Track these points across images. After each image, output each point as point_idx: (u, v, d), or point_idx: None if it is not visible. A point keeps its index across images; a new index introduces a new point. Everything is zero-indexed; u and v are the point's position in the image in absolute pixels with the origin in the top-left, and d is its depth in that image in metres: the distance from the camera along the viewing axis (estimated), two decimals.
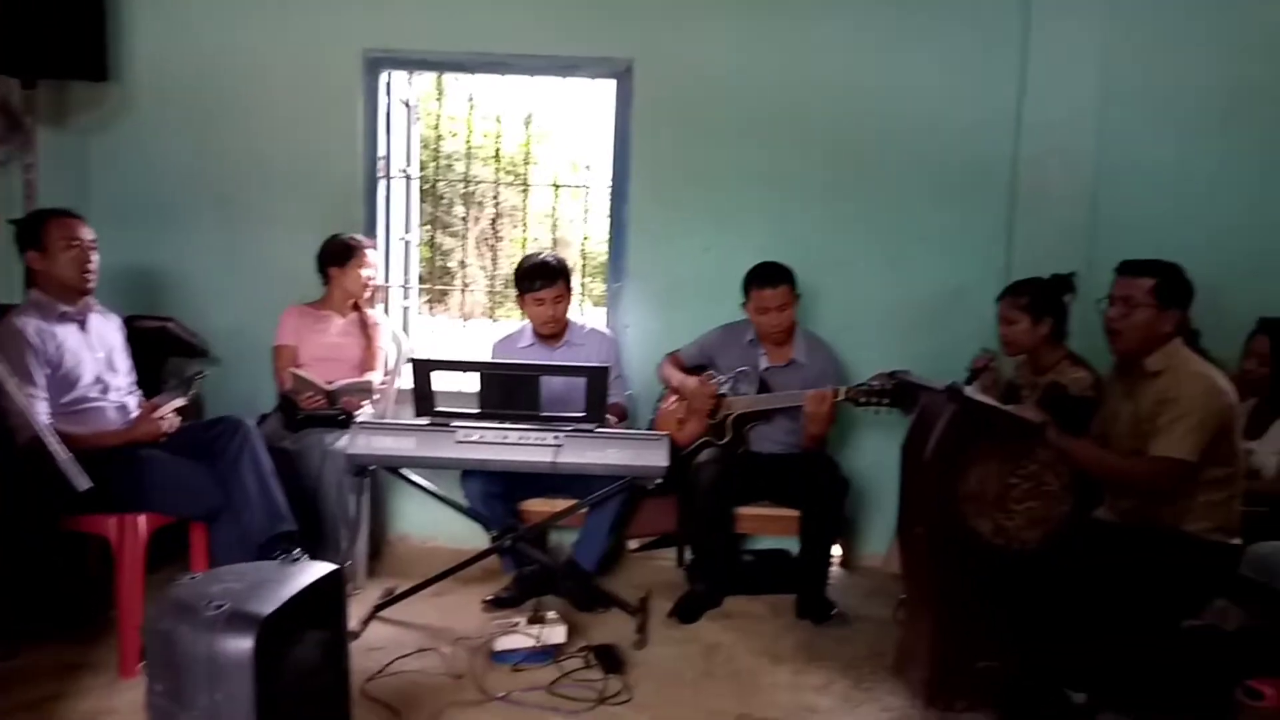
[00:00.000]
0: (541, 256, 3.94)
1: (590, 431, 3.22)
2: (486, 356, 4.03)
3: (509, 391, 3.30)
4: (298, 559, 2.32)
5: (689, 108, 4.28)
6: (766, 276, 3.80)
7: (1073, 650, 2.73)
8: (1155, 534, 2.85)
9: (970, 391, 2.91)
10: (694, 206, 4.31)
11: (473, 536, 3.91)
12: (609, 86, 4.37)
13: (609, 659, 3.12)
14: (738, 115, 4.26)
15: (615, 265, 4.41)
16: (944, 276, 4.28)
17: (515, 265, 3.99)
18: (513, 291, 4.02)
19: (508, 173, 6.99)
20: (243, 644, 1.95)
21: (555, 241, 4.82)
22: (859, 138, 4.26)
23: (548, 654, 3.10)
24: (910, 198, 4.27)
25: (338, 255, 3.99)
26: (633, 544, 4.27)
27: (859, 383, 3.56)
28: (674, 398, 3.98)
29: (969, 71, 4.20)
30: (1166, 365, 2.87)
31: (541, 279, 3.85)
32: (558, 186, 4.93)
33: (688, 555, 3.92)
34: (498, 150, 5.39)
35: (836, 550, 4.20)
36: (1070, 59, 4.12)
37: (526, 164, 5.08)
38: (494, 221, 6.69)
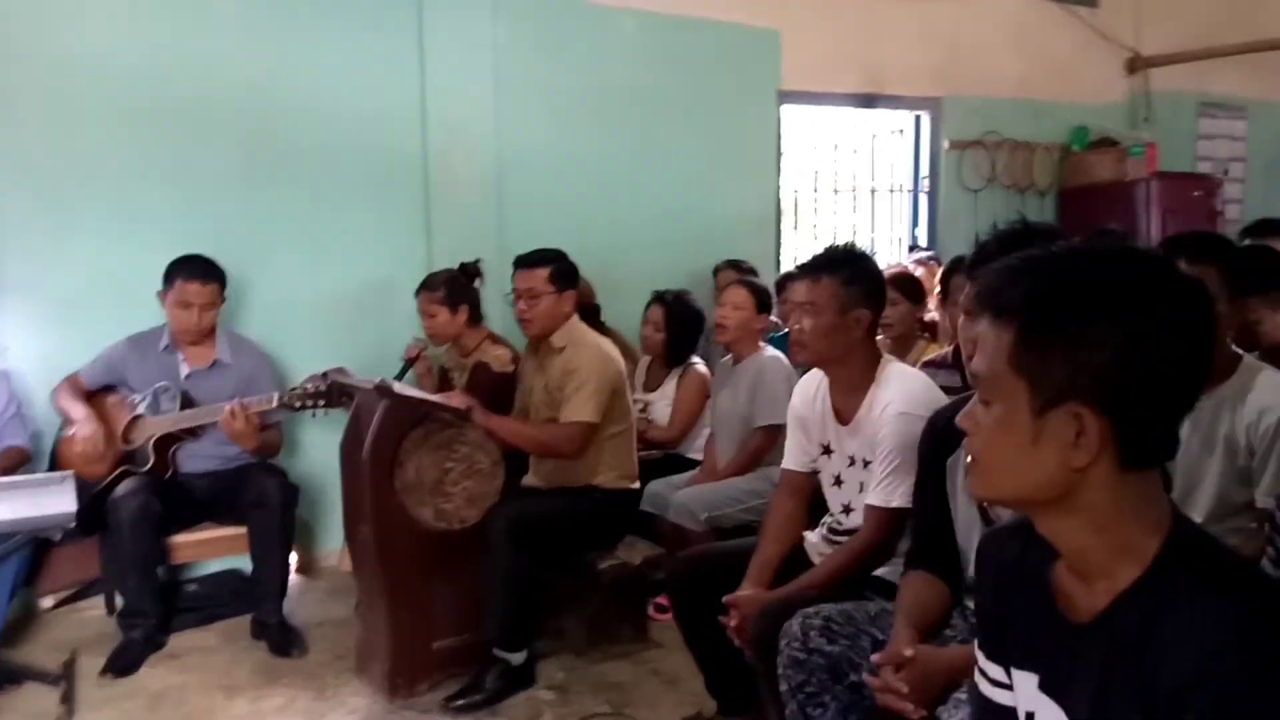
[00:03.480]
0: None
1: None
2: None
3: None
4: None
5: (61, 92, 3.71)
6: (196, 269, 3.50)
7: (511, 613, 2.97)
8: (574, 491, 3.21)
9: (399, 386, 2.98)
10: (85, 206, 3.78)
11: None
12: None
13: None
14: (126, 100, 3.80)
15: None
16: (372, 269, 4.31)
17: None
18: None
19: None
20: None
21: None
22: (272, 127, 4.07)
23: None
24: (332, 190, 4.20)
25: None
26: (47, 601, 3.68)
27: (292, 387, 3.45)
28: (77, 428, 3.48)
29: (372, 63, 4.24)
30: (569, 341, 3.23)
31: None
32: None
33: (118, 601, 3.49)
34: None
35: (293, 558, 4.05)
36: (464, 55, 4.38)
37: None
38: None
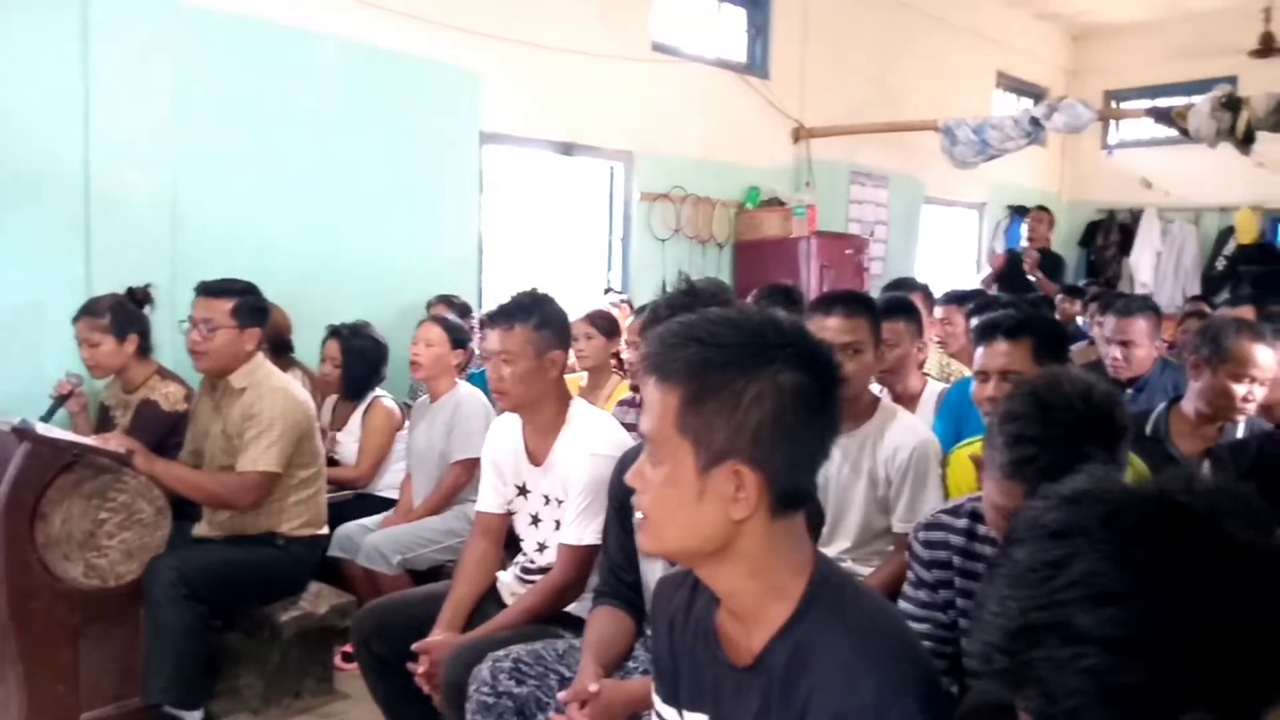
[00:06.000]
0: None
1: None
2: None
3: None
4: None
5: None
6: None
7: (180, 672, 2.71)
8: (253, 540, 3.00)
9: (44, 427, 2.65)
10: None
11: None
12: None
13: None
14: None
15: None
16: (16, 291, 3.78)
17: None
18: None
19: None
20: None
21: None
22: None
23: None
24: None
25: None
26: None
27: None
28: None
29: (25, 66, 3.75)
30: (250, 381, 3.01)
31: None
32: None
33: None
34: None
35: None
36: (139, 65, 3.99)
37: None
38: None
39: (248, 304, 3.04)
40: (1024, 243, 7.56)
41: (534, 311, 2.39)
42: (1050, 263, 7.09)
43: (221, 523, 3.03)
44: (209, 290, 3.01)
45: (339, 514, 3.43)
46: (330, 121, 4.66)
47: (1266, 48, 8.09)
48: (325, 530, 3.22)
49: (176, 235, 4.13)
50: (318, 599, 3.11)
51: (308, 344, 4.23)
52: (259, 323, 3.09)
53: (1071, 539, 0.76)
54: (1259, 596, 0.73)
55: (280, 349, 4.05)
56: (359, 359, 3.89)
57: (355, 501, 3.73)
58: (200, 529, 3.04)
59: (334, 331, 3.94)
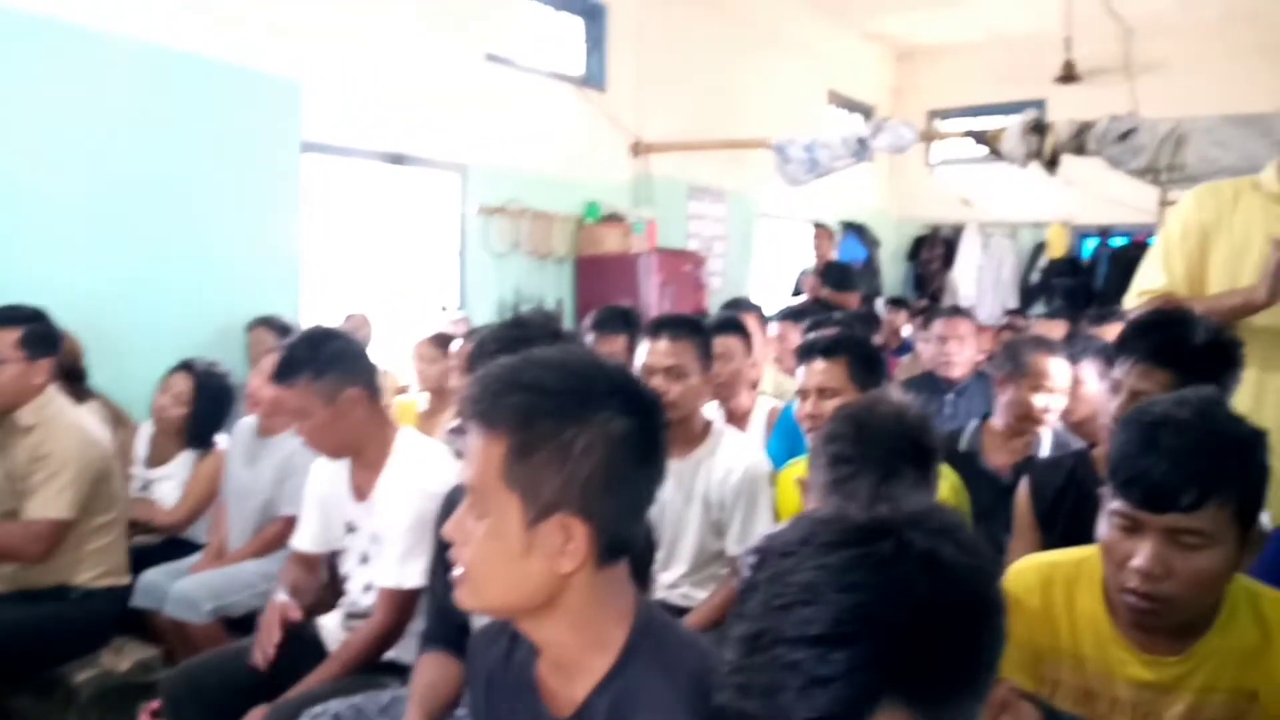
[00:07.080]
0: None
1: None
2: None
3: None
4: None
5: None
6: None
7: None
8: (43, 594, 2.72)
9: None
10: None
11: None
12: None
13: None
14: None
15: None
16: None
17: None
18: None
19: None
20: None
21: None
22: None
23: None
24: None
25: None
26: None
27: None
28: None
29: None
30: (40, 419, 2.75)
31: None
32: None
33: None
34: None
35: None
36: None
37: None
38: None
39: (36, 333, 2.77)
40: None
41: (310, 360, 2.22)
42: (835, 276, 6.91)
43: (6, 576, 2.74)
44: None
45: (144, 560, 3.15)
46: (131, 130, 4.28)
47: (1068, 75, 8.71)
48: (127, 580, 2.96)
49: None
50: (119, 655, 2.85)
51: (107, 373, 3.88)
52: (50, 352, 2.82)
53: (794, 556, 0.84)
54: (931, 597, 0.81)
55: (74, 378, 3.70)
56: (210, 403, 3.54)
57: (162, 546, 3.42)
58: None
59: (186, 365, 3.56)
